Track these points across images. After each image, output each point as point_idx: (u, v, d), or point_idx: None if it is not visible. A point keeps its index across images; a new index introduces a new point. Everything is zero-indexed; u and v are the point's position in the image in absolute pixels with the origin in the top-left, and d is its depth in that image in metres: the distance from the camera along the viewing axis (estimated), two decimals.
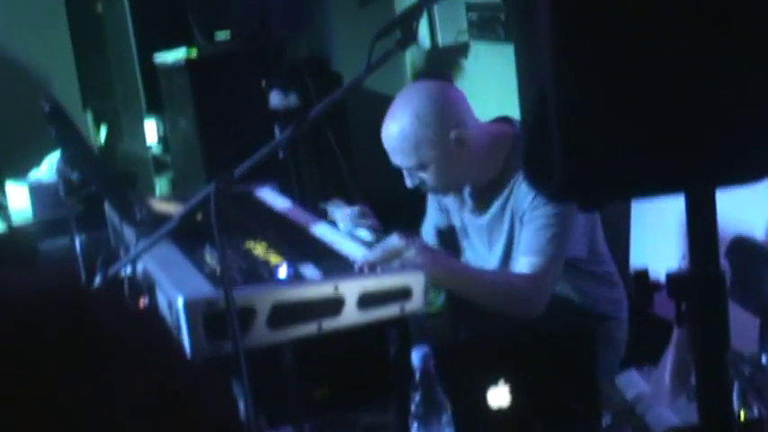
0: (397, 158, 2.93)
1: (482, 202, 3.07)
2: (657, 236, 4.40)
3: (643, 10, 1.30)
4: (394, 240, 2.69)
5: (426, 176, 2.93)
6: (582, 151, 1.39)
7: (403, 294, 2.53)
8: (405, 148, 2.89)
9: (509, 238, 3.01)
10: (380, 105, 5.20)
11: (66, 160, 3.05)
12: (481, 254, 3.12)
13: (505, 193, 2.99)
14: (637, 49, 1.31)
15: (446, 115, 2.88)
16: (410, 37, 2.46)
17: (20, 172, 5.56)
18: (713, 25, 1.33)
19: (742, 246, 2.59)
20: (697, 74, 1.34)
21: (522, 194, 2.92)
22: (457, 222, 3.21)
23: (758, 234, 3.48)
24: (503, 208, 3.00)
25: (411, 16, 2.48)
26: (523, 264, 2.88)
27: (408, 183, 2.98)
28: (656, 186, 1.48)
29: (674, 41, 1.32)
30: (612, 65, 1.36)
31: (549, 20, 1.32)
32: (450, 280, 2.77)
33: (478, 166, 2.96)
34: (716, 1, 1.32)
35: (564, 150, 1.39)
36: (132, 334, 0.83)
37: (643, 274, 1.59)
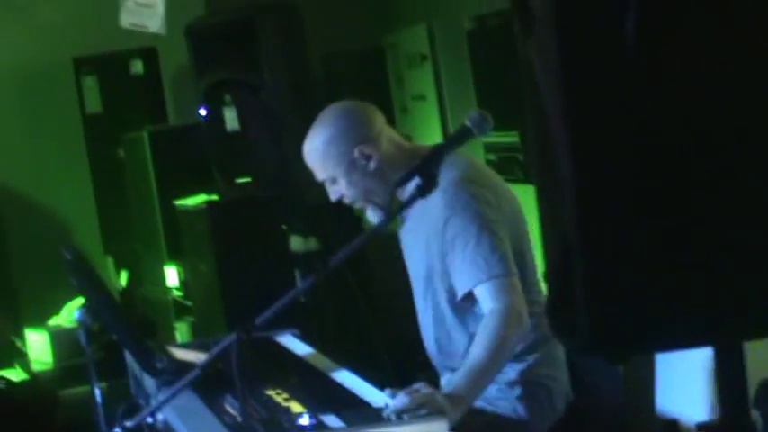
0: (314, 172, 3.10)
1: (402, 217, 3.13)
2: (684, 381, 4.35)
3: (668, 171, 1.31)
4: (422, 388, 2.65)
5: (342, 189, 3.06)
6: (607, 308, 1.39)
7: None
8: (316, 163, 3.07)
9: (426, 250, 3.03)
10: (398, 248, 5.20)
11: (87, 309, 3.06)
12: (411, 256, 3.16)
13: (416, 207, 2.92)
14: (663, 211, 1.32)
15: (350, 133, 3.01)
16: (431, 184, 2.49)
17: (40, 319, 5.58)
18: (731, 182, 1.34)
19: None
20: (722, 232, 1.34)
21: (433, 219, 2.94)
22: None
23: None
24: (416, 222, 3.05)
25: (431, 163, 2.52)
26: (481, 293, 2.86)
27: (331, 196, 3.12)
28: (683, 341, 1.46)
29: (698, 207, 1.33)
30: (638, 226, 1.36)
31: (572, 178, 1.34)
32: (476, 392, 2.77)
33: (392, 176, 2.96)
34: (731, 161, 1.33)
35: (588, 308, 1.38)
36: None
37: (672, 426, 1.56)
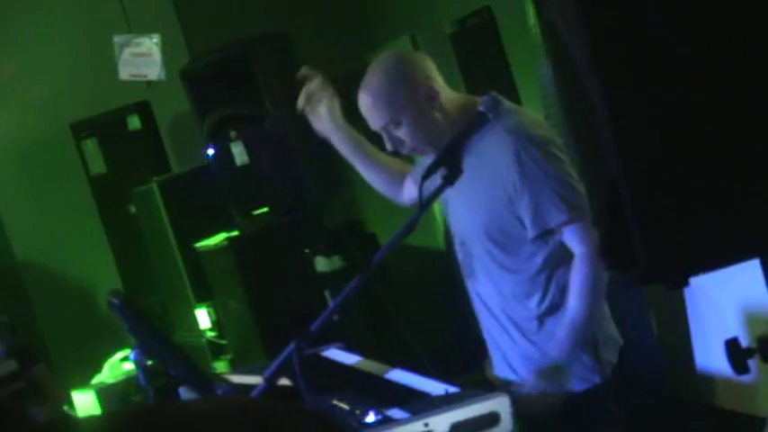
0: (374, 119, 3.01)
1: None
2: (718, 336, 4.44)
3: (700, 94, 1.40)
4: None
5: (402, 134, 2.98)
6: (660, 237, 1.48)
7: (492, 420, 2.57)
8: (378, 105, 2.98)
9: (491, 194, 2.97)
10: (417, 255, 5.28)
11: (142, 349, 3.14)
12: (464, 218, 3.09)
13: (472, 153, 2.90)
14: (700, 129, 1.41)
15: (414, 72, 2.98)
16: (456, 171, 2.58)
17: (82, 380, 5.66)
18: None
19: None
20: (761, 142, 1.43)
21: (501, 159, 2.89)
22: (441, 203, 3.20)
23: None
24: (475, 166, 2.91)
25: (453, 151, 2.61)
26: (567, 234, 2.88)
27: (388, 146, 3.04)
28: (734, 256, 1.55)
29: (736, 117, 1.41)
30: (679, 151, 1.44)
31: (609, 118, 1.42)
32: (572, 344, 2.86)
33: (451, 126, 2.95)
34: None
35: (643, 239, 1.47)
36: None
37: (735, 342, 1.65)
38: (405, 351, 4.63)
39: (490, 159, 2.90)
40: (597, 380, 2.98)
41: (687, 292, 4.59)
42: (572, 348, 2.88)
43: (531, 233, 2.91)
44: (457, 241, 3.15)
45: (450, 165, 2.59)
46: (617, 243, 1.53)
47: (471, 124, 2.73)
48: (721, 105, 1.44)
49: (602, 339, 3.01)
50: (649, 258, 1.47)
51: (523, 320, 3.02)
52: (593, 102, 1.46)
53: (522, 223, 2.92)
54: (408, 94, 2.95)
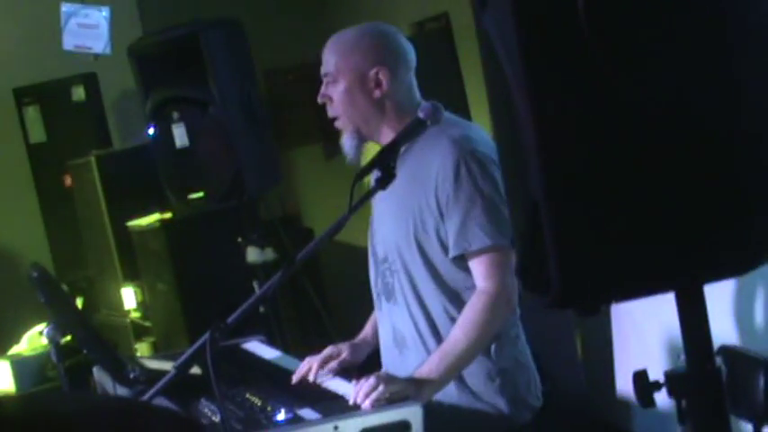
0: (323, 62, 2.95)
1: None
2: (640, 362, 4.46)
3: (626, 119, 1.39)
4: (382, 375, 2.71)
5: (333, 94, 2.92)
6: (575, 262, 1.47)
7: (402, 428, 2.56)
8: (330, 53, 2.93)
9: (422, 203, 2.86)
10: (349, 253, 5.27)
11: (57, 326, 3.09)
12: (390, 226, 2.97)
13: (410, 158, 2.85)
14: (623, 155, 1.40)
15: (380, 52, 2.90)
16: (389, 176, 2.56)
17: None
18: (696, 131, 1.42)
19: (727, 353, 2.65)
20: (680, 174, 1.42)
21: (440, 169, 2.80)
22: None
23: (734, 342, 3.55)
24: (410, 174, 2.83)
25: (388, 156, 2.59)
26: (475, 264, 2.79)
27: (319, 96, 2.96)
28: (649, 287, 1.55)
29: (659, 149, 1.41)
30: (600, 181, 1.44)
31: (536, 141, 1.41)
32: (448, 374, 2.75)
33: (385, 123, 2.91)
34: (692, 116, 1.41)
35: (558, 262, 1.46)
36: None
37: (643, 374, 1.65)
38: (327, 345, 4.61)
39: (427, 168, 2.82)
40: (515, 425, 2.88)
41: (614, 316, 4.61)
42: (443, 376, 2.73)
43: (451, 252, 2.82)
44: (378, 258, 3.03)
45: (384, 168, 2.57)
46: (533, 264, 1.52)
47: (407, 129, 2.70)
48: (648, 134, 1.43)
49: (524, 382, 2.92)
50: (563, 283, 1.46)
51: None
52: (520, 119, 1.44)
53: (444, 242, 2.83)
54: (358, 64, 2.89)
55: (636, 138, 1.41)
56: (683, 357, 1.69)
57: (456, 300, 2.86)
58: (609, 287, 1.50)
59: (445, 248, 2.84)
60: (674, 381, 1.64)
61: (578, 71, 1.41)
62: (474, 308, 2.77)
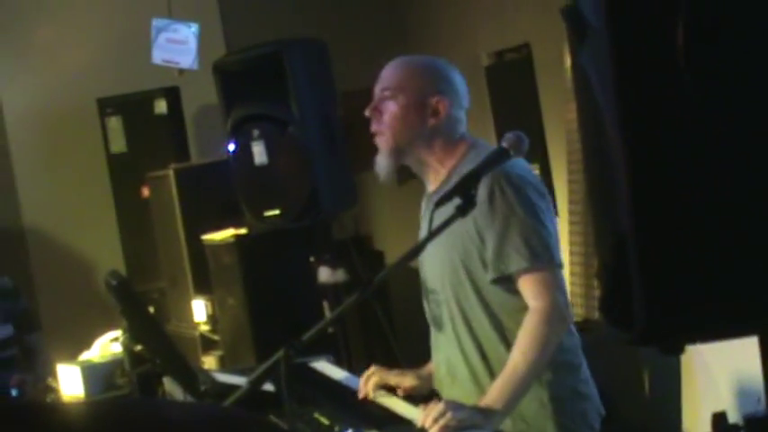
0: (384, 77, 2.98)
1: (432, 200, 2.88)
2: (708, 404, 4.41)
3: (721, 159, 1.39)
4: (451, 404, 2.71)
5: (386, 109, 2.93)
6: (662, 301, 1.46)
7: None
8: (399, 68, 2.97)
9: (462, 233, 2.86)
10: (418, 278, 5.29)
11: (132, 334, 3.13)
12: (432, 258, 2.96)
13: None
14: (715, 194, 1.40)
15: (446, 84, 2.95)
16: (469, 203, 2.57)
17: (70, 355, 5.65)
18: None
19: None
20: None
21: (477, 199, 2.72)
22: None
23: None
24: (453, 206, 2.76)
25: (469, 183, 2.59)
26: (524, 285, 2.78)
27: (368, 109, 2.97)
28: (732, 331, 1.54)
29: (753, 190, 1.40)
30: (691, 222, 1.43)
31: (628, 177, 1.41)
32: (513, 400, 2.74)
33: (427, 149, 2.93)
34: None
35: (645, 300, 1.45)
36: None
37: (722, 416, 1.63)
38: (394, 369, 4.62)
39: None
40: None
41: (684, 355, 4.56)
42: (508, 403, 2.72)
43: (490, 275, 2.82)
44: (427, 289, 3.05)
45: (464, 195, 2.58)
46: (617, 300, 1.52)
47: (490, 158, 2.70)
48: (743, 176, 1.43)
49: (579, 412, 2.91)
50: (648, 321, 1.46)
51: (499, 363, 2.86)
52: (614, 155, 1.45)
53: (487, 267, 2.83)
54: (422, 87, 2.92)
55: (729, 178, 1.41)
56: (763, 401, 1.67)
57: (504, 324, 2.87)
58: (694, 327, 1.49)
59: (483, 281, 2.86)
60: (753, 425, 1.63)
61: (674, 108, 1.41)
62: (528, 329, 2.77)
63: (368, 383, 3.05)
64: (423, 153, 2.96)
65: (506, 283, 2.83)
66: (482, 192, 2.75)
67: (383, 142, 2.96)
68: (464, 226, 2.83)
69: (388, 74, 2.98)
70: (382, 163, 2.98)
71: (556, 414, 2.88)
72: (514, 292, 2.84)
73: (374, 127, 2.98)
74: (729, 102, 1.42)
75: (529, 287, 2.79)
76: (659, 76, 1.40)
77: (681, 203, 1.43)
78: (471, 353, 2.92)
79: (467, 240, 2.87)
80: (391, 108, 2.93)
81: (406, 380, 3.11)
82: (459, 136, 2.97)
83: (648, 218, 1.44)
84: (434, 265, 3.00)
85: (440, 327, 3.01)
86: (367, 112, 2.98)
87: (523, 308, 2.82)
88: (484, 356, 2.90)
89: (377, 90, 3.00)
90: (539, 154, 5.55)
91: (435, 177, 2.99)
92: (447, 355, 3.00)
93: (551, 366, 2.85)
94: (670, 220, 1.44)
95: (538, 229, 2.79)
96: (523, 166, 2.90)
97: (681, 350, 1.52)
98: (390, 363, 5.05)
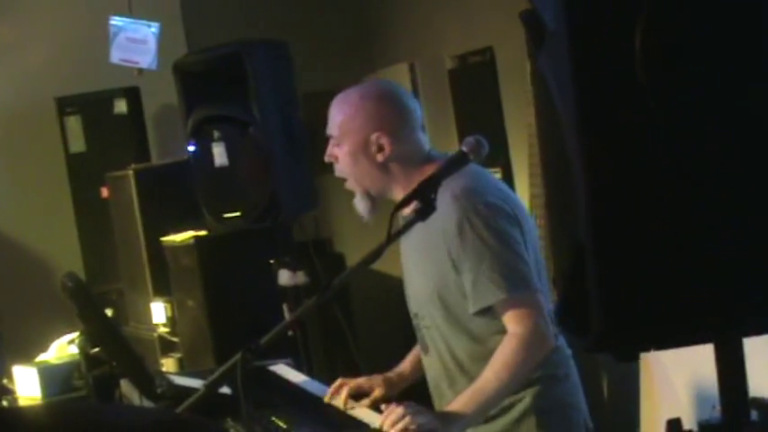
0: (329, 120, 2.98)
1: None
2: (666, 410, 4.42)
3: (680, 169, 1.38)
4: (410, 406, 2.70)
5: (340, 156, 2.96)
6: (619, 307, 1.46)
7: None
8: (335, 113, 2.96)
9: (439, 260, 2.88)
10: (380, 282, 5.28)
11: (88, 336, 3.10)
12: (416, 285, 3.01)
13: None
14: (674, 204, 1.39)
15: (384, 116, 2.93)
16: (429, 207, 2.56)
17: (26, 357, 5.59)
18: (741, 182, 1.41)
19: (761, 406, 2.62)
20: (731, 228, 1.41)
21: (447, 226, 2.80)
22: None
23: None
24: (426, 230, 2.79)
25: (429, 187, 2.58)
26: (502, 312, 2.79)
27: (326, 155, 2.99)
28: (689, 338, 1.54)
29: (712, 201, 1.40)
30: (648, 230, 1.43)
31: (586, 184, 1.40)
32: (477, 411, 2.74)
33: (393, 180, 2.93)
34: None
35: (602, 307, 1.45)
36: None
37: (677, 423, 1.63)
38: (354, 376, 4.60)
39: (437, 223, 2.79)
40: None
41: (642, 361, 4.57)
42: (471, 414, 2.73)
43: (471, 309, 2.83)
44: (412, 312, 3.06)
45: (423, 200, 2.57)
46: (574, 306, 1.51)
47: (449, 162, 2.69)
48: (702, 186, 1.43)
49: (563, 423, 2.92)
50: (603, 328, 1.45)
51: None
52: (572, 162, 1.44)
53: (465, 297, 2.84)
54: (360, 129, 2.92)
55: (688, 188, 1.41)
56: (717, 408, 1.67)
57: (488, 346, 2.86)
58: (650, 335, 1.49)
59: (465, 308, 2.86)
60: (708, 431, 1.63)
61: (633, 117, 1.40)
62: (504, 350, 2.77)
63: (341, 394, 3.04)
64: (389, 186, 2.96)
65: (488, 312, 2.83)
66: (451, 225, 2.78)
67: (351, 186, 3.00)
68: (439, 256, 2.86)
69: (330, 120, 2.99)
70: (360, 205, 3.02)
71: (539, 427, 2.88)
72: (496, 317, 2.84)
73: (337, 172, 3.01)
74: (689, 109, 1.41)
75: (508, 315, 2.79)
76: (618, 81, 1.40)
77: (639, 212, 1.43)
78: (455, 375, 2.94)
79: (443, 271, 2.88)
80: (341, 156, 2.96)
81: (376, 391, 3.09)
82: (425, 157, 2.96)
83: (606, 226, 1.43)
84: (415, 291, 3.03)
85: (425, 350, 3.03)
86: (326, 159, 3.01)
87: (505, 330, 2.82)
88: (469, 378, 2.89)
89: (327, 136, 3.01)
90: (501, 158, 5.56)
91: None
92: (433, 376, 3.03)
93: (536, 380, 2.87)
94: (627, 228, 1.43)
95: (511, 259, 2.78)
96: (492, 188, 2.90)
97: (635, 357, 1.52)
98: (351, 367, 5.04)
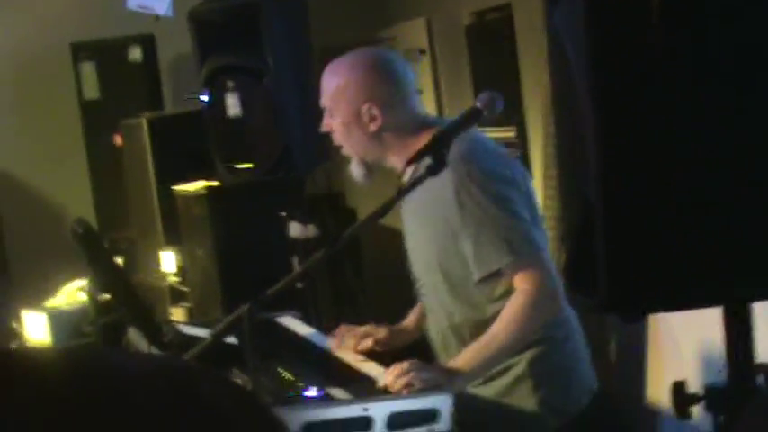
0: (322, 91, 2.99)
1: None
2: (672, 372, 4.42)
3: (690, 130, 1.37)
4: (414, 364, 2.71)
5: (334, 127, 2.97)
6: (626, 267, 1.45)
7: (431, 417, 2.56)
8: (326, 85, 2.97)
9: (438, 229, 2.89)
10: (392, 238, 5.28)
11: (97, 283, 3.11)
12: (416, 253, 3.03)
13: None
14: (686, 164, 1.38)
15: (374, 85, 2.92)
16: (441, 163, 2.54)
17: (36, 301, 5.62)
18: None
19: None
20: (742, 190, 1.40)
21: (444, 194, 2.79)
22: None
23: None
24: (422, 197, 2.82)
25: (441, 143, 2.57)
26: (509, 274, 2.78)
27: (322, 126, 3.02)
28: (696, 301, 1.53)
29: (722, 161, 1.38)
30: (659, 190, 1.42)
31: (597, 139, 1.39)
32: (481, 364, 2.76)
33: (387, 149, 2.93)
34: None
35: (608, 267, 1.44)
36: None
37: (682, 385, 1.63)
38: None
39: (434, 193, 2.80)
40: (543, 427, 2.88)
41: (651, 324, 4.57)
42: (477, 368, 2.75)
43: (475, 276, 2.81)
44: (414, 270, 3.07)
45: (435, 156, 2.55)
46: (582, 265, 1.51)
47: (463, 118, 2.68)
48: (713, 146, 1.41)
49: (563, 386, 2.91)
50: (610, 286, 1.45)
51: None
52: (583, 116, 1.43)
53: (466, 265, 2.83)
54: (350, 100, 2.92)
55: (700, 148, 1.39)
56: (723, 372, 1.66)
57: (488, 314, 2.86)
58: (657, 296, 1.48)
59: (470, 270, 2.84)
60: (714, 395, 1.62)
61: (647, 73, 1.39)
62: (513, 304, 2.76)
63: (347, 343, 3.06)
64: (384, 154, 2.96)
65: (491, 279, 2.82)
66: (448, 193, 2.77)
67: (347, 153, 3.02)
68: (437, 226, 2.87)
69: (322, 91, 2.99)
70: (356, 171, 3.03)
71: (536, 389, 2.87)
72: (499, 285, 2.83)
73: (335, 141, 3.03)
74: (703, 70, 1.40)
75: (516, 277, 2.78)
76: (634, 39, 1.38)
77: (649, 172, 1.42)
78: (451, 341, 2.96)
79: (441, 240, 2.88)
80: (334, 126, 2.97)
81: (379, 331, 3.11)
82: (420, 124, 2.95)
83: (616, 185, 1.42)
84: (416, 257, 3.04)
85: (429, 310, 3.05)
86: (322, 130, 3.02)
87: (507, 294, 2.81)
88: (472, 335, 2.89)
89: (321, 106, 3.02)
90: (516, 117, 5.52)
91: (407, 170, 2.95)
92: (433, 338, 3.05)
93: (534, 342, 2.86)
94: (638, 188, 1.42)
95: (511, 222, 2.77)
96: (487, 151, 2.88)
97: (642, 319, 1.51)
98: (359, 321, 5.05)
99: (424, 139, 2.71)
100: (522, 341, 2.81)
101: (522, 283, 2.78)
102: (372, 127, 2.92)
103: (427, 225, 2.94)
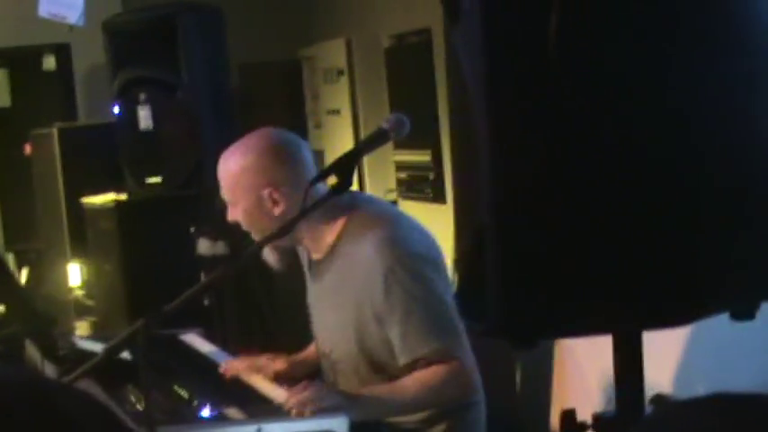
0: (221, 187, 2.94)
1: (318, 269, 2.93)
2: (577, 399, 4.44)
3: (587, 155, 1.36)
4: (314, 386, 2.68)
5: (239, 216, 2.90)
6: (517, 293, 1.44)
7: None
8: (224, 182, 2.91)
9: (360, 312, 2.81)
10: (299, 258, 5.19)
11: None
12: (333, 328, 2.93)
13: (338, 263, 2.84)
14: (578, 191, 1.37)
15: (267, 172, 2.85)
16: (346, 183, 2.52)
17: None
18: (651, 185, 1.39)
19: (660, 403, 2.63)
20: (634, 220, 1.39)
21: (369, 277, 2.74)
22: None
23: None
24: (341, 280, 2.82)
25: (347, 163, 2.55)
26: (433, 357, 2.73)
27: (228, 216, 2.95)
28: (587, 328, 1.52)
29: (616, 191, 1.38)
30: (550, 216, 1.41)
31: (490, 164, 1.38)
32: (377, 406, 2.73)
33: (299, 230, 2.80)
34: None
35: (499, 292, 1.43)
36: None
37: (571, 414, 1.62)
38: (270, 349, 4.57)
39: (356, 272, 2.76)
40: None
41: (557, 351, 4.59)
42: (380, 405, 2.73)
43: (400, 360, 2.75)
44: (322, 346, 3.00)
45: (341, 174, 2.53)
46: (473, 290, 1.49)
47: (370, 139, 2.66)
48: (608, 175, 1.41)
49: None
50: (501, 312, 1.43)
51: None
52: (478, 138, 1.41)
53: (392, 348, 2.77)
54: (249, 188, 2.84)
55: (594, 176, 1.39)
56: (613, 399, 1.66)
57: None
58: (547, 322, 1.47)
59: (394, 353, 2.78)
60: (601, 423, 1.62)
61: (543, 98, 1.38)
62: (429, 372, 2.71)
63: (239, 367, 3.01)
64: (294, 236, 2.84)
65: (418, 360, 2.76)
66: (375, 277, 2.71)
67: (254, 236, 2.92)
68: (358, 306, 2.79)
69: (220, 181, 2.93)
70: (270, 258, 2.99)
71: None
72: (418, 364, 2.76)
73: (243, 228, 2.94)
74: (598, 97, 1.39)
75: (439, 359, 2.73)
76: (529, 63, 1.37)
77: (541, 197, 1.41)
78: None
79: (362, 321, 2.81)
80: (239, 216, 2.90)
81: (277, 363, 3.06)
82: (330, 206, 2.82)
83: (509, 207, 1.41)
84: (330, 333, 2.96)
85: (341, 373, 2.94)
86: (228, 219, 2.95)
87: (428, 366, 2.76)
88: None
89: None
90: (431, 140, 5.53)
91: (318, 248, 2.91)
92: (347, 388, 2.91)
93: (448, 418, 2.84)
94: (531, 211, 1.41)
95: (438, 308, 2.73)
96: (415, 234, 2.83)
97: (532, 345, 1.49)
98: (266, 339, 5.00)
99: (339, 220, 2.70)
100: (423, 408, 2.78)
101: (444, 363, 2.73)
102: (276, 211, 2.83)
103: (343, 309, 2.85)
